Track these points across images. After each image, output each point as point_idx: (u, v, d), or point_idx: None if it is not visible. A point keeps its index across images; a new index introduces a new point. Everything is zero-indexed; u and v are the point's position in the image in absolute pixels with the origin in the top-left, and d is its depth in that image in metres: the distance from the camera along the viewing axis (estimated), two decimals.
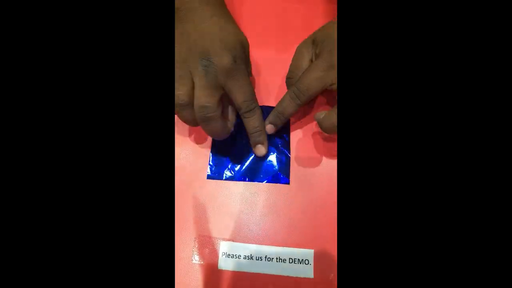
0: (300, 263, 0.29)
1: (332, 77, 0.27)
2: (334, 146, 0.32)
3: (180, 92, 0.26)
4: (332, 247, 0.29)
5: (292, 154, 0.32)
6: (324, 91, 0.28)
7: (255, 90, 0.34)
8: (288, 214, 0.30)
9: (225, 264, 0.29)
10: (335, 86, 0.27)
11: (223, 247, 0.29)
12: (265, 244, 0.29)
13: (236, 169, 0.32)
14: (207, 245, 0.29)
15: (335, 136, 0.32)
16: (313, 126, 0.33)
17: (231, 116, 0.31)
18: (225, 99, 0.28)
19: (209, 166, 0.32)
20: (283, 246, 0.29)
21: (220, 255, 0.29)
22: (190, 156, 0.33)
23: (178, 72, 0.26)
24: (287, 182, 0.31)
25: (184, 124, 0.29)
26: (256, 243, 0.29)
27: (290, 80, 0.31)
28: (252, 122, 0.29)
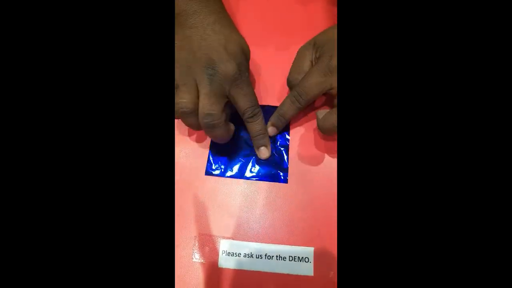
0: (300, 261, 0.29)
1: (330, 82, 0.27)
2: (333, 144, 0.32)
3: (185, 100, 0.26)
4: (332, 245, 0.29)
5: (291, 153, 0.32)
6: (324, 94, 0.29)
7: (256, 90, 0.34)
8: (288, 212, 0.30)
9: (225, 262, 0.29)
10: (333, 91, 0.28)
11: (223, 245, 0.29)
12: (265, 242, 0.29)
13: (235, 167, 0.32)
14: (207, 243, 0.30)
15: (334, 135, 0.32)
16: (312, 125, 0.33)
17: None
18: (227, 104, 0.29)
19: (207, 163, 0.32)
20: (283, 244, 0.29)
21: (220, 253, 0.29)
22: (190, 155, 0.33)
23: (182, 80, 0.26)
24: (286, 181, 0.31)
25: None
26: (256, 241, 0.29)
27: (290, 82, 0.31)
28: (255, 126, 0.30)
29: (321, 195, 0.31)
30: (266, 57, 0.36)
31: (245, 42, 0.28)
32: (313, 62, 0.30)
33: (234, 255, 0.29)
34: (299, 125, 0.33)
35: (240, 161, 0.32)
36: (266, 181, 0.31)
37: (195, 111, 0.27)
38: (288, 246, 0.29)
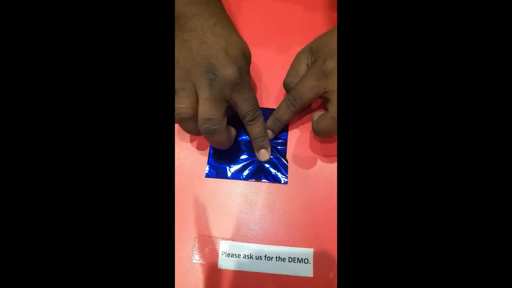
0: (300, 262, 0.29)
1: (324, 85, 0.27)
2: (332, 146, 0.32)
3: (184, 106, 0.25)
4: (331, 246, 0.29)
5: (290, 154, 0.32)
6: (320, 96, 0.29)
7: (256, 92, 0.35)
8: (288, 213, 0.30)
9: (225, 264, 0.29)
10: (327, 94, 0.28)
11: (223, 246, 0.29)
12: (265, 244, 0.29)
13: (235, 168, 0.32)
14: (207, 244, 0.30)
15: (330, 137, 0.32)
16: (310, 127, 0.33)
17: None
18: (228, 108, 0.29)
19: (207, 165, 0.32)
20: (283, 245, 0.29)
21: (220, 254, 0.29)
22: (190, 156, 0.33)
23: (180, 84, 0.26)
24: (286, 182, 0.31)
25: None
26: (256, 242, 0.30)
27: (286, 85, 0.31)
28: (255, 129, 0.30)
29: (321, 196, 0.31)
30: (266, 59, 0.36)
31: (246, 45, 0.28)
32: (309, 66, 0.30)
33: (234, 256, 0.29)
34: (298, 127, 0.33)
35: (240, 162, 0.32)
36: (266, 182, 0.31)
37: (194, 116, 0.26)
38: (288, 247, 0.29)
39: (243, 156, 0.32)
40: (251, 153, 0.32)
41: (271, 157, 0.32)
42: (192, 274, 0.29)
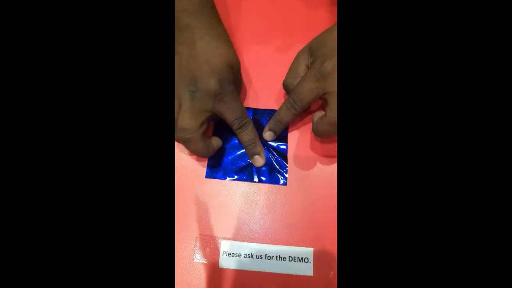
0: (300, 261, 0.29)
1: (323, 87, 0.28)
2: (332, 146, 0.33)
3: None
4: (331, 246, 0.29)
5: (290, 155, 0.33)
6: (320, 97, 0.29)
7: (256, 92, 0.35)
8: (288, 213, 0.31)
9: (226, 263, 0.29)
10: (326, 96, 0.28)
11: (224, 246, 0.30)
12: (265, 243, 0.30)
13: (235, 169, 0.32)
14: (208, 244, 0.30)
15: (330, 138, 0.33)
16: (310, 127, 0.33)
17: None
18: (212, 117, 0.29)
19: (208, 166, 0.33)
20: (283, 244, 0.30)
21: (221, 253, 0.30)
22: (191, 157, 0.33)
23: None
24: (285, 183, 0.32)
25: None
26: (256, 242, 0.30)
27: (286, 86, 0.32)
28: (245, 137, 0.30)
29: (320, 197, 0.31)
30: (267, 58, 0.36)
31: (233, 54, 0.29)
32: (308, 66, 0.30)
33: (235, 255, 0.29)
34: (298, 128, 0.34)
35: (240, 164, 0.32)
36: (265, 183, 0.32)
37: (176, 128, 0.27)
38: (288, 246, 0.30)
39: (242, 157, 0.33)
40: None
41: (271, 158, 0.32)
42: (194, 273, 0.29)
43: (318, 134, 0.30)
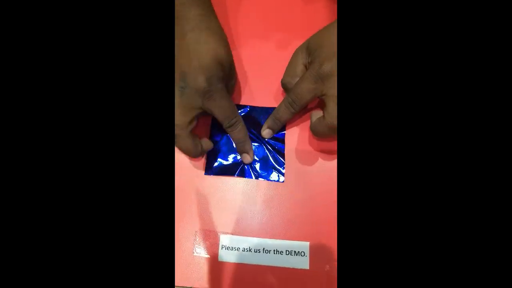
0: (296, 255, 0.30)
1: (321, 88, 0.28)
2: (328, 143, 0.33)
3: None
4: (327, 240, 0.30)
5: (289, 150, 0.33)
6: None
7: (255, 88, 0.35)
8: (285, 208, 0.31)
9: (225, 256, 0.30)
10: (324, 97, 0.28)
11: (223, 240, 0.31)
12: (263, 237, 0.31)
13: (233, 166, 0.33)
14: (208, 238, 0.31)
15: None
16: (307, 125, 0.34)
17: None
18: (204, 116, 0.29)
19: (206, 163, 0.33)
20: (280, 239, 0.31)
21: (220, 247, 0.30)
22: None
23: None
24: (282, 180, 0.32)
25: None
26: (254, 236, 0.31)
27: (284, 85, 0.32)
28: (235, 135, 0.31)
29: (317, 192, 0.32)
30: (265, 54, 0.36)
31: (224, 49, 0.28)
32: (307, 66, 0.30)
33: (234, 249, 0.30)
34: (295, 125, 0.34)
35: (238, 160, 0.33)
36: (261, 179, 0.32)
37: None
38: (285, 240, 0.30)
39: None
40: None
41: (269, 155, 0.33)
42: (194, 267, 0.30)
43: (317, 134, 0.30)
